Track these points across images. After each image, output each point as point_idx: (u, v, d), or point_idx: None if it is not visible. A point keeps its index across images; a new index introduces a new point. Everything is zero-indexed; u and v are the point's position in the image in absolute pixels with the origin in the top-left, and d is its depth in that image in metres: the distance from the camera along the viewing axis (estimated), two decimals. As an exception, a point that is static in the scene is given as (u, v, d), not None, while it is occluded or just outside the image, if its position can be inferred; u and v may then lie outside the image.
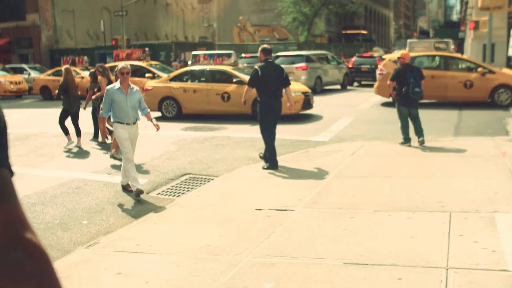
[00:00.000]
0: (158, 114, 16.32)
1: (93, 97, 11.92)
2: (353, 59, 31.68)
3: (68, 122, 11.99)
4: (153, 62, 25.03)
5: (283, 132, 13.29)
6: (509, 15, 32.51)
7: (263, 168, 9.02)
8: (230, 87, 15.97)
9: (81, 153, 11.38)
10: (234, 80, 15.98)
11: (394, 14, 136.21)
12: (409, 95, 10.52)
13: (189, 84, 16.80)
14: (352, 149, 10.40)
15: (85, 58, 26.73)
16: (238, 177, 8.84)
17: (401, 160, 9.36)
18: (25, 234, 0.99)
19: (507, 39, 30.80)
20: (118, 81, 7.90)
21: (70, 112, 11.99)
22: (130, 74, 7.99)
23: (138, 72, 22.34)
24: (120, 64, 8.03)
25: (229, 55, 17.52)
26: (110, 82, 11.99)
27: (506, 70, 19.09)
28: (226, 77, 16.53)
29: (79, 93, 12.46)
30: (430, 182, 7.53)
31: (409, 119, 10.72)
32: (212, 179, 8.74)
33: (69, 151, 11.55)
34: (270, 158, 9.10)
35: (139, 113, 8.01)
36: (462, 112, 16.59)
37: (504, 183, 7.24)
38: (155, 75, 22.16)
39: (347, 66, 30.38)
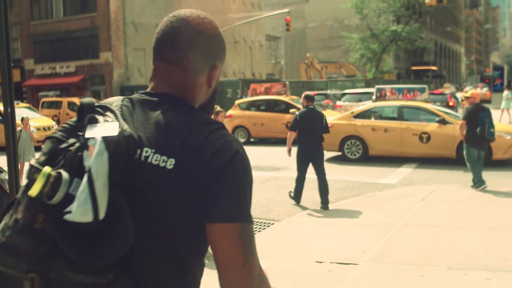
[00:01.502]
0: (338, 154, 15.20)
1: None
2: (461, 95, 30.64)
3: None
4: (294, 97, 23.36)
5: (348, 173, 12.76)
6: None
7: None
8: (430, 127, 14.01)
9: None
10: (437, 119, 13.97)
11: (465, 49, 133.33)
12: (484, 136, 9.87)
13: (379, 122, 14.79)
14: (423, 194, 9.73)
15: None
16: (300, 222, 8.35)
17: (476, 207, 8.62)
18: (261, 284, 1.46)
19: None
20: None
21: None
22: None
23: (278, 107, 21.33)
24: None
25: (422, 90, 15.89)
26: None
27: None
28: (423, 115, 14.67)
29: None
30: (511, 236, 6.80)
31: None
32: (272, 223, 8.29)
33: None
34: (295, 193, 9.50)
35: None
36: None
37: None
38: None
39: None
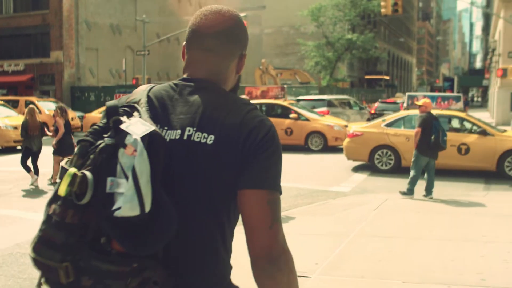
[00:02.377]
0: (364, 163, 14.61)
1: (53, 142, 11.71)
2: (376, 104, 31.02)
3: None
4: (292, 101, 22.60)
5: (301, 180, 12.53)
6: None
7: None
8: (469, 138, 13.34)
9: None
10: (478, 130, 13.41)
11: (417, 60, 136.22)
12: (439, 144, 9.88)
13: (414, 132, 14.53)
14: (376, 203, 9.58)
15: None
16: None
17: (431, 217, 8.50)
18: (285, 246, 1.58)
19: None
20: None
21: (31, 151, 11.68)
22: None
23: (276, 111, 20.42)
24: None
25: (457, 99, 14.90)
26: (68, 123, 11.76)
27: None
28: (461, 125, 14.13)
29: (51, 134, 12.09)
30: (466, 247, 6.65)
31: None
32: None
33: (34, 192, 10.96)
34: None
35: None
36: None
37: (551, 252, 6.36)
38: (301, 116, 19.85)
39: (370, 111, 29.72)
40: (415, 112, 14.20)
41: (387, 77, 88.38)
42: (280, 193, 1.59)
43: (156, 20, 45.98)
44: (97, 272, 1.42)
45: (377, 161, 14.00)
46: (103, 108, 26.86)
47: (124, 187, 1.39)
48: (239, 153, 1.54)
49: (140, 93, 1.67)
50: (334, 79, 62.42)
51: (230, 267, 1.70)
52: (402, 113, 14.90)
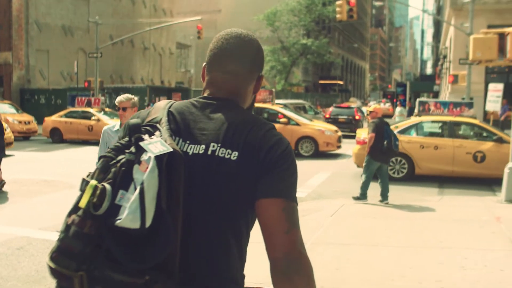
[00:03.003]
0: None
1: None
2: (331, 109, 31.23)
3: None
4: (279, 105, 21.81)
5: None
6: (487, 70, 32.52)
7: None
8: (485, 145, 13.17)
9: (27, 205, 10.24)
10: (495, 137, 13.23)
11: (370, 66, 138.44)
12: (391, 149, 9.94)
13: (429, 139, 13.80)
14: (333, 209, 9.49)
15: (102, 99, 24.83)
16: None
17: (387, 223, 8.45)
18: (303, 250, 1.61)
19: (485, 94, 30.70)
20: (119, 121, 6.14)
21: None
22: (136, 110, 5.82)
23: (263, 116, 19.44)
24: (120, 96, 5.96)
25: (470, 105, 14.42)
26: (0, 125, 11.16)
27: None
28: (475, 133, 13.92)
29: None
30: (424, 254, 6.60)
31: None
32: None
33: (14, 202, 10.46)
34: None
35: None
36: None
37: (508, 258, 6.37)
38: (291, 120, 19.17)
39: (324, 116, 29.88)
40: (428, 118, 14.33)
41: (341, 82, 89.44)
42: (296, 203, 1.68)
43: (110, 22, 45.20)
44: (110, 282, 1.48)
45: (390, 168, 13.19)
46: (64, 112, 25.41)
47: (130, 200, 1.46)
48: (259, 167, 1.65)
49: (161, 111, 1.76)
50: (289, 84, 62.70)
51: (243, 275, 1.78)
52: (414, 120, 14.60)
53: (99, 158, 1.62)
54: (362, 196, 10.11)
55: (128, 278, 1.47)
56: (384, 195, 10.10)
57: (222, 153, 1.66)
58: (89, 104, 23.94)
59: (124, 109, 5.89)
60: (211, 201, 1.65)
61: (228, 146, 1.66)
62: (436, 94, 59.46)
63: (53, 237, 7.61)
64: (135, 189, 1.47)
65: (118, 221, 1.43)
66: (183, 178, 1.55)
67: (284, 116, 19.41)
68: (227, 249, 1.68)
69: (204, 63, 1.89)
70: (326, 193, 11.73)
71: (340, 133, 19.62)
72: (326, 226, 8.18)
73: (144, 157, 1.50)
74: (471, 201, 10.53)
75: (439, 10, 68.43)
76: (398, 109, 34.10)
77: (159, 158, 1.50)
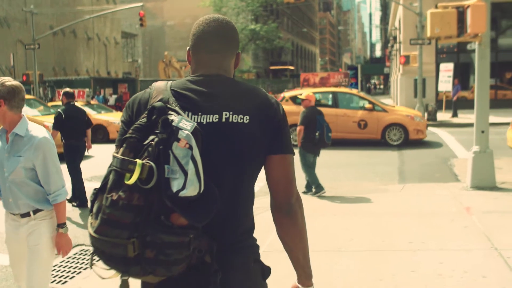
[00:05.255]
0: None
1: None
2: (282, 95, 30.38)
3: None
4: (356, 90, 20.10)
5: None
6: (437, 50, 32.22)
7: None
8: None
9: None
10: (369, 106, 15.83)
11: (320, 50, 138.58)
12: (323, 141, 9.25)
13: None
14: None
15: (87, 91, 22.95)
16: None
17: (350, 222, 7.56)
18: (299, 194, 2.06)
19: (436, 74, 30.43)
20: None
21: None
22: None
23: (345, 101, 17.60)
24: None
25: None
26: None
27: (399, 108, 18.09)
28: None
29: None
30: (393, 260, 5.72)
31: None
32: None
33: None
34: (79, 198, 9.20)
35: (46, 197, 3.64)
36: (402, 153, 15.26)
37: (487, 259, 5.55)
38: (375, 106, 17.16)
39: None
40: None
41: (291, 67, 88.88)
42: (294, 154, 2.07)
43: (49, 11, 43.18)
44: (160, 244, 1.69)
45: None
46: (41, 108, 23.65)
47: (179, 173, 1.68)
48: (269, 127, 1.97)
49: (164, 91, 1.94)
50: (240, 71, 61.69)
51: (254, 225, 2.11)
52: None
53: (124, 138, 1.79)
54: (318, 188, 9.33)
55: (176, 238, 1.70)
56: (309, 187, 9.55)
57: (235, 119, 1.92)
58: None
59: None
60: (230, 160, 1.90)
61: (239, 112, 1.93)
62: (386, 76, 59.53)
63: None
64: (178, 162, 1.68)
65: (182, 192, 1.67)
66: (201, 146, 1.77)
67: (369, 102, 17.51)
68: (248, 201, 2.01)
69: (188, 47, 2.10)
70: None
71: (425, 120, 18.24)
72: (281, 227, 7.24)
73: (182, 134, 1.71)
74: (436, 189, 9.77)
75: (387, -9, 68.47)
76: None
77: (194, 134, 1.73)
